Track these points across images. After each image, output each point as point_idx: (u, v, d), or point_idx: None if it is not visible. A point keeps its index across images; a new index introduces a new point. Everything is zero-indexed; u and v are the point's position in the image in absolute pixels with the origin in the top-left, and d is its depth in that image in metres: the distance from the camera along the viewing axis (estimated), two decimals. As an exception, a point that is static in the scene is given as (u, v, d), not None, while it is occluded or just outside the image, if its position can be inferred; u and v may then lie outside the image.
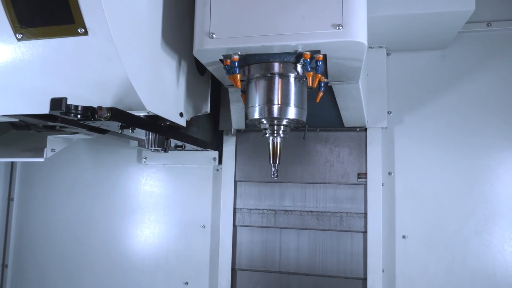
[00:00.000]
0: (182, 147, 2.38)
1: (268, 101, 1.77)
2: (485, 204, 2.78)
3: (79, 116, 1.49)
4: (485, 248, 2.75)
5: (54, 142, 2.56)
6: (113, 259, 3.30)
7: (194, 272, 3.12)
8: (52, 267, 3.43)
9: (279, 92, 1.76)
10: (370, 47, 2.91)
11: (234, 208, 3.06)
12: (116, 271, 3.28)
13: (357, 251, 2.87)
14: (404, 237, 2.85)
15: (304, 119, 1.84)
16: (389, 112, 2.96)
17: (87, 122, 1.65)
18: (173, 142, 2.24)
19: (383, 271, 2.82)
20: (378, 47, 2.94)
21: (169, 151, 2.17)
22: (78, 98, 1.55)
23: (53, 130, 2.40)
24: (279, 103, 1.76)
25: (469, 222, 2.78)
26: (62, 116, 1.48)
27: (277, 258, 2.96)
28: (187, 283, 3.13)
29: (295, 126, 1.91)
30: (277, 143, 1.89)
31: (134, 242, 3.29)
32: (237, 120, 2.84)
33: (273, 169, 1.97)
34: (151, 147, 1.93)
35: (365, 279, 2.82)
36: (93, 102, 1.57)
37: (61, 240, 3.42)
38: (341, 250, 2.89)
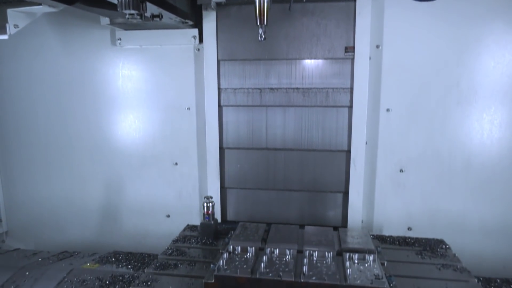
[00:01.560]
0: (159, 17, 2.18)
1: (254, -50, 1.57)
2: (470, 74, 2.78)
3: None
4: (465, 118, 2.83)
5: (16, 17, 2.33)
6: (100, 145, 3.29)
7: (183, 153, 3.17)
8: (37, 157, 3.42)
9: None
10: None
11: (218, 88, 2.99)
12: (104, 156, 3.30)
13: (342, 126, 2.92)
14: (388, 110, 2.89)
15: (293, -29, 1.66)
16: (380, -21, 2.75)
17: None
18: (149, 10, 2.04)
19: (366, 143, 2.91)
20: None
21: (145, 24, 1.99)
22: None
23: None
24: (266, -49, 1.57)
25: (452, 93, 2.81)
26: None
27: (263, 136, 3.01)
28: (176, 164, 3.20)
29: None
30: (264, 1, 1.73)
31: (119, 128, 3.25)
32: (217, -11, 2.60)
33: (260, 31, 1.85)
34: (125, 9, 1.75)
35: (348, 151, 2.93)
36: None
37: (44, 130, 3.36)
38: (326, 125, 2.94)
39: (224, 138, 3.06)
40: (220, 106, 3.01)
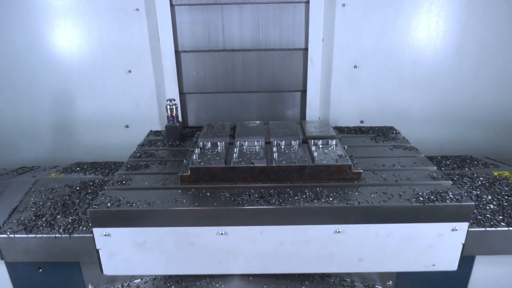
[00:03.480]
0: None
1: None
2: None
3: None
4: (415, 11, 2.92)
5: None
6: (41, 56, 3.01)
7: (136, 59, 3.01)
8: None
9: None
10: None
11: (169, -15, 2.77)
12: (49, 67, 3.05)
13: (299, 23, 2.89)
14: (343, 5, 2.89)
15: None
16: None
17: None
18: None
19: (322, 41, 2.94)
20: None
21: None
22: None
23: None
24: None
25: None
26: None
27: (220, 37, 2.92)
28: (130, 71, 3.05)
29: None
30: None
31: (61, 34, 2.95)
32: None
33: None
34: None
35: (306, 49, 2.95)
36: None
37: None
38: (283, 23, 2.89)
39: (179, 41, 2.93)
40: (172, 6, 2.82)
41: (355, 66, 3.06)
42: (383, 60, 3.05)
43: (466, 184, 2.29)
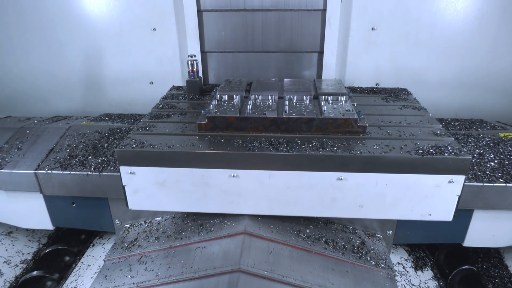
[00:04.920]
0: None
1: None
2: None
3: None
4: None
5: None
6: (72, 13, 3.20)
7: (160, 18, 3.15)
8: (12, 30, 3.31)
9: None
10: None
11: None
12: (78, 24, 3.23)
13: (318, -16, 2.95)
14: (363, -37, 2.91)
15: None
16: None
17: None
18: None
19: (341, 2, 2.98)
20: None
21: None
22: None
23: None
24: None
25: None
26: None
27: (241, -4, 3.01)
28: (154, 29, 3.20)
29: None
30: None
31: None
32: None
33: None
34: None
35: (324, 10, 3.01)
36: None
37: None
38: (303, -17, 2.95)
39: (201, 0, 3.04)
40: (195, -36, 2.92)
41: (373, 28, 3.09)
42: (401, 22, 3.06)
43: (470, 143, 2.38)
